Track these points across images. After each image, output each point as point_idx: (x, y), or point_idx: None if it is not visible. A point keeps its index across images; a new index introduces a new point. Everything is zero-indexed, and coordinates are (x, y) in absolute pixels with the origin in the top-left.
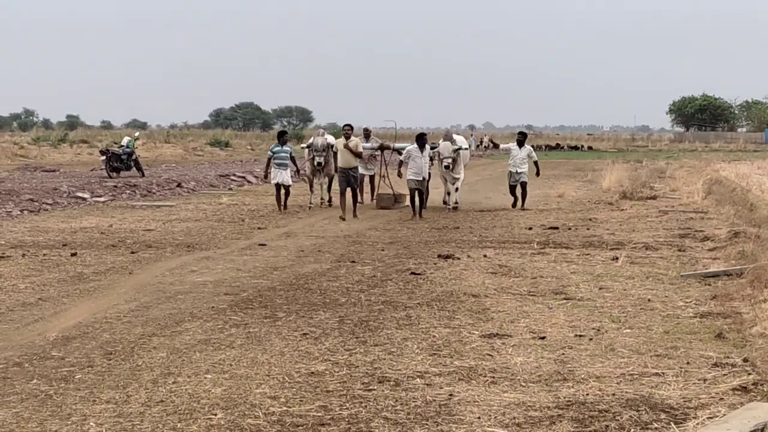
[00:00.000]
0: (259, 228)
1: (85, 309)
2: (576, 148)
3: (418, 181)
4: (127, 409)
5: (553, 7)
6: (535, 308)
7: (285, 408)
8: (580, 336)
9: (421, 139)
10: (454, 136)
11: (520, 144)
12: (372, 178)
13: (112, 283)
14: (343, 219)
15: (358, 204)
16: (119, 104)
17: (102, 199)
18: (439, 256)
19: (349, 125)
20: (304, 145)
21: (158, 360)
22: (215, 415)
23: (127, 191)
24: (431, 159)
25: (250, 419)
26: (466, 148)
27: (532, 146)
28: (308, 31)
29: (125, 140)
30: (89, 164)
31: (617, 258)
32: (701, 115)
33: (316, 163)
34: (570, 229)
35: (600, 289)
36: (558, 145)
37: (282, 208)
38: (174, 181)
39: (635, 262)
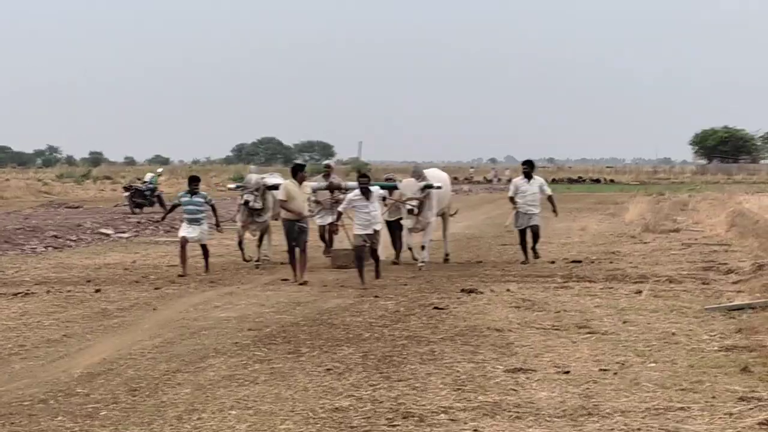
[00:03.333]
0: (282, 263)
1: (109, 345)
2: (597, 180)
3: (366, 235)
4: None
5: (573, 35)
6: (559, 342)
7: None
8: (605, 370)
9: (362, 181)
10: (427, 172)
11: (528, 176)
12: (329, 227)
13: (136, 319)
14: (303, 283)
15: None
16: (142, 140)
17: (125, 235)
18: (462, 290)
19: (303, 167)
20: (232, 186)
21: (183, 396)
22: None
23: (151, 227)
24: (383, 200)
25: None
26: (439, 187)
27: (553, 180)
28: (329, 65)
29: (148, 176)
30: (112, 200)
31: (641, 291)
32: (723, 147)
33: (244, 201)
34: (593, 262)
35: (624, 322)
36: (580, 178)
37: (184, 269)
38: None
39: (659, 295)
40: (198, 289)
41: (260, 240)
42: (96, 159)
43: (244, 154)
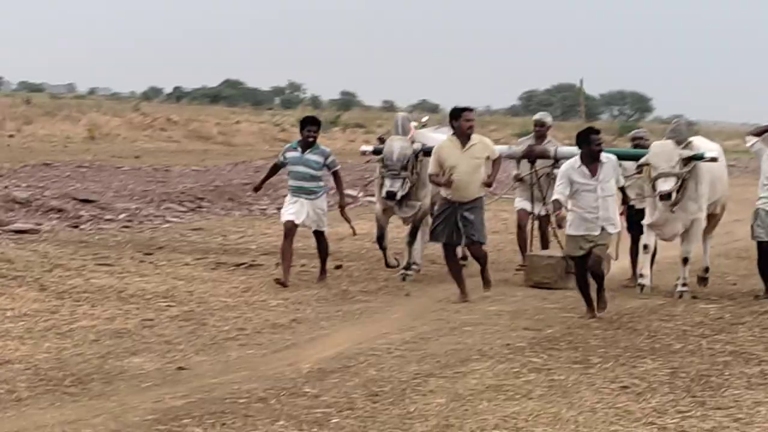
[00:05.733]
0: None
1: (347, 336)
2: None
3: (587, 238)
4: None
5: None
6: None
7: None
8: None
9: (588, 143)
10: (693, 139)
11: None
12: (544, 220)
13: (384, 305)
14: (465, 299)
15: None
16: (405, 80)
17: (376, 198)
18: None
19: (467, 109)
20: (366, 148)
21: (435, 407)
22: None
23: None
24: (623, 189)
25: None
26: (713, 158)
27: None
28: None
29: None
30: None
31: None
32: None
33: (385, 193)
34: None
35: None
36: None
37: (286, 273)
38: None
39: None
40: (465, 272)
41: (412, 234)
42: (347, 102)
43: (534, 104)
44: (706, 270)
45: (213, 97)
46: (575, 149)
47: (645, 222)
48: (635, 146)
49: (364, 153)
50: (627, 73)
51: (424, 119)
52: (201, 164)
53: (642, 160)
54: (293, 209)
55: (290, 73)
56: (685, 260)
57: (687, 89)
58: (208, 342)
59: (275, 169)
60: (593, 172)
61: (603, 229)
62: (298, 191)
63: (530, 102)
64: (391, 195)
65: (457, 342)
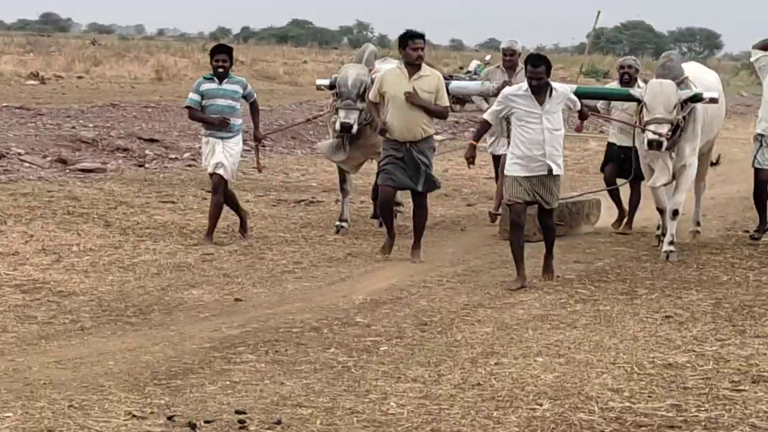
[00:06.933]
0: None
1: (400, 269)
2: None
3: (528, 181)
4: (436, 390)
5: None
6: None
7: (628, 404)
8: None
9: (534, 72)
10: (687, 68)
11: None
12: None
13: (439, 240)
14: (386, 255)
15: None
16: (473, 20)
17: (438, 137)
18: None
19: (416, 36)
20: (321, 82)
21: (481, 336)
22: (540, 405)
23: (471, 128)
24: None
25: (582, 413)
26: (713, 99)
27: None
28: None
29: (473, 65)
30: None
31: None
32: None
33: (339, 126)
34: None
35: None
36: None
37: (211, 230)
38: None
39: None
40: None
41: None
42: None
43: (603, 41)
44: (698, 225)
45: (281, 37)
46: (560, 84)
47: (650, 184)
48: (622, 75)
49: (319, 87)
50: (696, 10)
51: (488, 57)
52: (266, 104)
53: (638, 96)
54: (213, 155)
55: (358, 12)
56: (675, 213)
57: (757, 25)
58: (266, 275)
59: (194, 112)
60: (540, 101)
61: (550, 170)
62: (213, 131)
63: (599, 40)
64: (346, 127)
65: (508, 275)
